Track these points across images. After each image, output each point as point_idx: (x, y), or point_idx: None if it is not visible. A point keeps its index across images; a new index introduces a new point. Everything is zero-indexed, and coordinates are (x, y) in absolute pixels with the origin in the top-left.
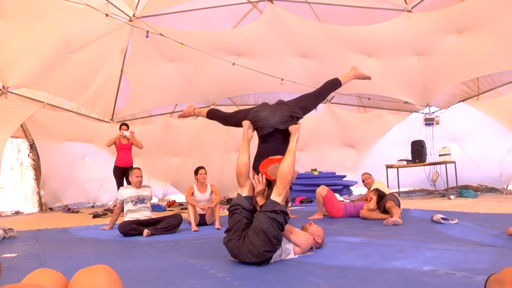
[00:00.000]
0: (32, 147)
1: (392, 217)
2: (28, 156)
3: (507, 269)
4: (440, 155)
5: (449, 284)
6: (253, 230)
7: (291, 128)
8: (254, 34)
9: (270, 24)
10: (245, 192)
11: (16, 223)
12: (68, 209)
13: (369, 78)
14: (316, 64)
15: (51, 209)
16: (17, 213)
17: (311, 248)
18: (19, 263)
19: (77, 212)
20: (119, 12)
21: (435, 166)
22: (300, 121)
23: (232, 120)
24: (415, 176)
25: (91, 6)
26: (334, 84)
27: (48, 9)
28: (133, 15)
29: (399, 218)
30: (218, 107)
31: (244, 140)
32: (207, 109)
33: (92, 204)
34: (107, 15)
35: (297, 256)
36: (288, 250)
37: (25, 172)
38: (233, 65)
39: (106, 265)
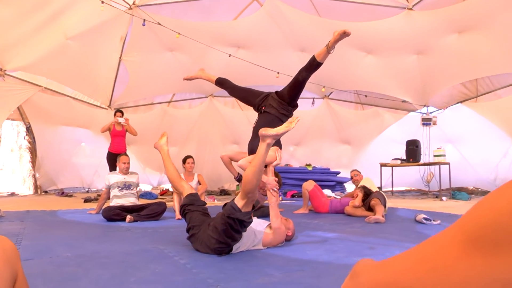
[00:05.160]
0: (29, 130)
1: (375, 214)
2: (24, 138)
3: (358, 262)
4: (434, 156)
5: None
6: (211, 227)
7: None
8: (254, 26)
9: (270, 17)
10: (186, 192)
11: (9, 204)
12: (62, 193)
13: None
14: None
15: (46, 192)
16: (12, 194)
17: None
18: None
19: (71, 196)
20: (119, 0)
21: (429, 166)
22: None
23: (241, 94)
24: (411, 176)
25: None
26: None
27: None
28: (133, 3)
29: (382, 216)
30: (216, 98)
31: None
32: (216, 76)
33: (87, 190)
34: (102, 2)
35: (265, 247)
36: (256, 241)
37: (23, 154)
38: (229, 56)
39: (3, 236)
